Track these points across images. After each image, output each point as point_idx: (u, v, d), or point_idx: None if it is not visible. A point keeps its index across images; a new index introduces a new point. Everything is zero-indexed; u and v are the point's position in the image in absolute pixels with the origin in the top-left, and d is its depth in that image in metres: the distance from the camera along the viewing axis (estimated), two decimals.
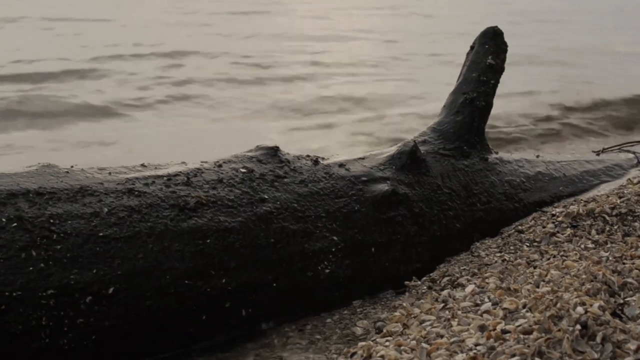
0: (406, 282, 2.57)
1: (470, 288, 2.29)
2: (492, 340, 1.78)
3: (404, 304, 2.35)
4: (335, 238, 2.48)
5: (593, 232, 2.65)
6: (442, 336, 1.93)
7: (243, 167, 2.50)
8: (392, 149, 2.84)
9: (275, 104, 7.32)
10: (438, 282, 2.53)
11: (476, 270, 2.51)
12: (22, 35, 12.65)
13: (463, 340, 1.84)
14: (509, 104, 6.96)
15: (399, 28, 15.03)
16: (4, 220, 2.03)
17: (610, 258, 2.31)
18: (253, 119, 6.83)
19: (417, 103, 7.56)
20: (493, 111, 3.14)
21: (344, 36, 13.23)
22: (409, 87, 8.60)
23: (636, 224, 2.69)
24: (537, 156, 3.37)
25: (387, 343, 2.01)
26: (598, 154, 3.79)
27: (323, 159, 2.73)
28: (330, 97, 7.72)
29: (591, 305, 1.83)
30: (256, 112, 7.05)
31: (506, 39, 3.21)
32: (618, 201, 2.82)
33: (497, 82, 3.14)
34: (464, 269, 2.57)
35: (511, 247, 2.67)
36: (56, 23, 14.79)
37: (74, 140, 5.89)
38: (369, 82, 8.77)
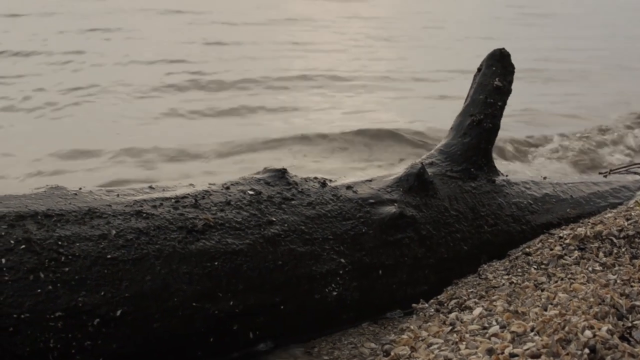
0: (414, 305, 2.57)
1: (477, 311, 2.29)
2: None
3: (412, 327, 2.35)
4: (342, 260, 2.48)
5: (601, 254, 2.64)
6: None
7: (251, 190, 2.51)
8: (400, 171, 2.84)
9: None
10: (445, 304, 2.52)
11: (484, 293, 2.51)
12: None
13: None
14: None
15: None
16: (12, 242, 2.04)
17: (618, 281, 2.30)
18: None
19: None
20: None
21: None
22: None
23: None
24: (545, 178, 3.37)
25: None
26: (605, 176, 3.78)
27: (331, 181, 2.73)
28: None
29: (599, 329, 1.83)
30: None
31: None
32: (625, 223, 2.82)
33: (504, 104, 3.14)
34: (472, 291, 2.56)
35: (519, 270, 2.66)
36: None
37: None
38: None
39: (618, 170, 4.04)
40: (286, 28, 16.95)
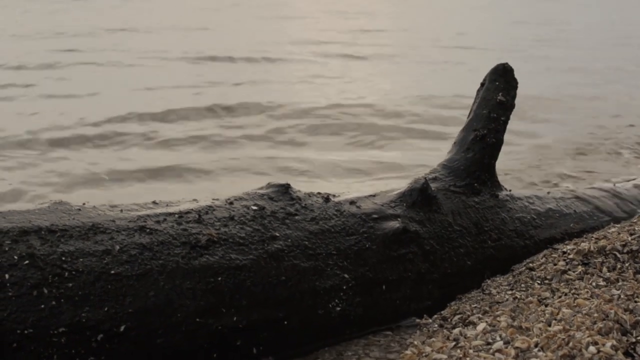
0: (417, 320, 2.57)
1: (481, 326, 2.29)
2: None
3: (415, 342, 2.34)
4: (346, 276, 2.48)
5: (604, 269, 2.64)
6: None
7: (254, 205, 2.51)
8: (403, 186, 2.84)
9: None
10: (449, 320, 2.52)
11: (487, 308, 2.51)
12: None
13: None
14: None
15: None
16: (16, 257, 2.04)
17: (622, 296, 2.30)
18: None
19: None
20: None
21: None
22: None
23: None
24: (548, 192, 3.37)
25: None
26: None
27: (334, 196, 2.73)
28: None
29: (603, 345, 1.83)
30: None
31: None
32: (629, 238, 2.81)
33: (508, 118, 3.14)
34: (475, 306, 2.56)
35: (522, 285, 2.66)
36: None
37: None
38: None
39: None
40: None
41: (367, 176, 5.80)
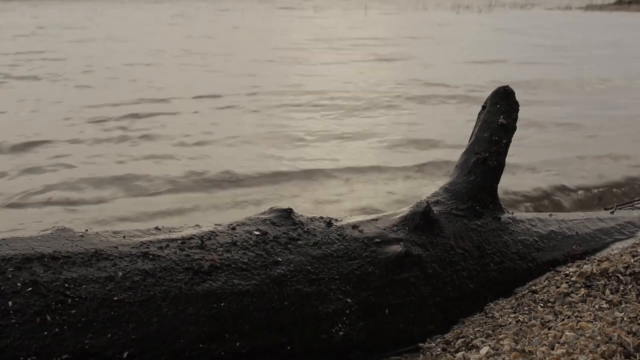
0: (420, 344, 2.56)
1: (484, 350, 2.28)
2: None
3: None
4: (349, 300, 2.48)
5: (607, 292, 2.64)
6: None
7: (257, 230, 2.52)
8: (405, 210, 2.85)
9: None
10: (452, 343, 2.52)
11: (490, 332, 2.50)
12: None
13: None
14: None
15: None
16: (19, 284, 2.04)
17: (625, 318, 2.30)
18: None
19: None
20: None
21: None
22: None
23: None
24: (550, 215, 3.37)
25: None
26: (612, 212, 3.78)
27: (336, 220, 2.74)
28: None
29: None
30: None
31: None
32: (632, 260, 2.81)
33: (509, 141, 3.15)
34: (478, 330, 2.56)
35: (525, 308, 2.66)
36: None
37: None
38: None
39: (624, 206, 4.04)
40: None
41: None
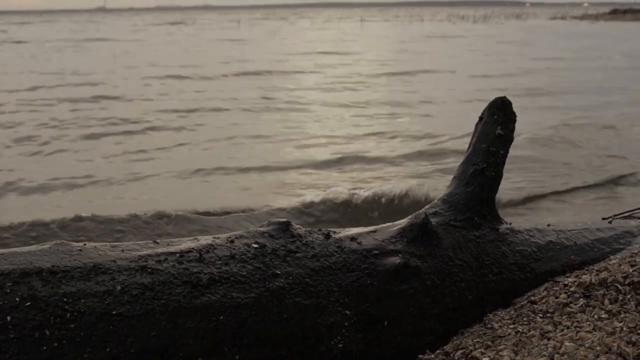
0: (419, 356, 2.56)
1: None
2: None
3: None
4: (347, 312, 2.47)
5: (606, 301, 2.63)
6: None
7: (255, 243, 2.52)
8: (404, 222, 2.85)
9: None
10: (452, 355, 2.51)
11: (490, 343, 2.50)
12: None
13: None
14: None
15: None
16: (17, 299, 2.04)
17: (625, 328, 2.30)
18: None
19: None
20: None
21: None
22: None
23: None
24: (548, 225, 3.37)
25: None
26: (610, 222, 3.78)
27: (335, 232, 2.74)
28: None
29: None
30: None
31: None
32: (630, 270, 2.81)
33: (507, 152, 3.15)
34: (478, 341, 2.55)
35: (524, 319, 2.66)
36: None
37: None
38: None
39: (622, 215, 4.04)
40: None
41: None
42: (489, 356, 2.32)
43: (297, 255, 2.53)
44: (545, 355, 2.17)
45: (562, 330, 2.45)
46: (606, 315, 2.52)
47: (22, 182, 8.35)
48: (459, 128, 11.20)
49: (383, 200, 7.55)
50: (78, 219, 6.52)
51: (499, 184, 3.12)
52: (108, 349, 2.06)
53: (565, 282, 2.86)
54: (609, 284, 2.74)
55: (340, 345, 2.44)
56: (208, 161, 9.43)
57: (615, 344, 2.07)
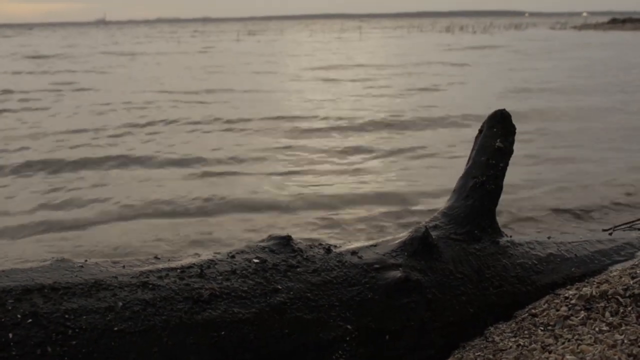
0: None
1: None
2: None
3: None
4: (349, 326, 2.48)
5: (607, 314, 2.64)
6: None
7: (256, 258, 2.52)
8: (404, 235, 2.85)
9: None
10: None
11: (491, 356, 2.50)
12: None
13: None
14: None
15: None
16: (19, 316, 2.05)
17: (626, 341, 2.30)
18: None
19: None
20: None
21: None
22: None
23: None
24: (549, 237, 3.37)
25: None
26: (610, 233, 3.78)
27: (335, 247, 2.74)
28: None
29: None
30: None
31: None
32: (631, 282, 2.82)
33: (506, 164, 3.16)
34: (479, 354, 2.55)
35: (525, 332, 2.66)
36: None
37: None
38: None
39: (622, 227, 4.04)
40: None
41: None
42: None
43: (298, 270, 2.53)
44: None
45: (563, 343, 2.45)
46: (607, 328, 2.53)
47: None
48: None
49: None
50: None
51: (499, 196, 3.12)
52: None
53: (566, 295, 2.86)
54: (610, 296, 2.74)
55: None
56: None
57: (616, 357, 2.08)
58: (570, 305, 2.75)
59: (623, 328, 2.50)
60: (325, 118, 13.33)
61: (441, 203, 3.25)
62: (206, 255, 2.54)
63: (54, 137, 11.46)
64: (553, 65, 24.81)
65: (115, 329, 2.13)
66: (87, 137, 11.46)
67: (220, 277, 2.39)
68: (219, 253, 2.55)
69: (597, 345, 2.31)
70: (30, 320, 2.05)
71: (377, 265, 2.66)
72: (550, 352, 2.38)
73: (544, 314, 2.76)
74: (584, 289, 2.85)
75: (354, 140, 10.96)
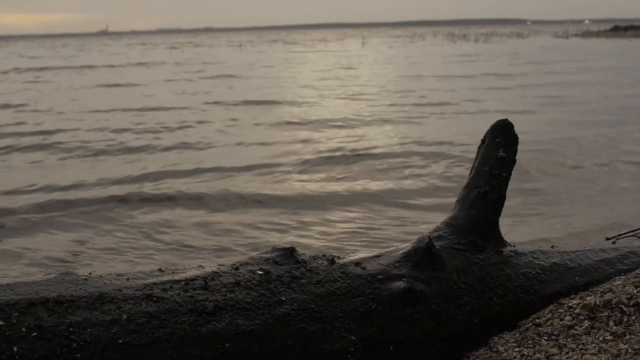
0: None
1: None
2: None
3: None
4: (353, 337, 2.48)
5: (611, 323, 2.64)
6: None
7: (260, 269, 2.53)
8: (407, 246, 2.86)
9: None
10: None
11: None
12: None
13: None
14: None
15: None
16: (24, 329, 2.05)
17: (630, 350, 2.30)
18: None
19: None
20: None
21: None
22: None
23: None
24: (552, 247, 3.38)
25: None
26: (614, 242, 3.78)
27: (339, 258, 2.75)
28: None
29: None
30: None
31: None
32: (634, 291, 2.81)
33: (510, 175, 3.16)
34: None
35: (529, 341, 2.66)
36: None
37: None
38: None
39: (625, 236, 4.04)
40: None
41: None
42: None
43: (302, 281, 2.54)
44: None
45: (567, 353, 2.45)
46: (611, 337, 2.53)
47: None
48: None
49: None
50: None
51: (502, 206, 3.12)
52: None
53: (570, 304, 2.86)
54: (614, 306, 2.74)
55: None
56: None
57: None
58: (574, 315, 2.75)
59: (627, 337, 2.50)
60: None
61: None
62: (210, 267, 2.54)
63: None
64: None
65: (120, 341, 2.13)
66: None
67: (224, 289, 2.39)
68: (222, 265, 2.55)
69: (601, 355, 2.31)
70: (34, 333, 2.05)
71: (380, 276, 2.67)
72: None
73: (548, 323, 2.76)
74: (588, 298, 2.85)
75: None
